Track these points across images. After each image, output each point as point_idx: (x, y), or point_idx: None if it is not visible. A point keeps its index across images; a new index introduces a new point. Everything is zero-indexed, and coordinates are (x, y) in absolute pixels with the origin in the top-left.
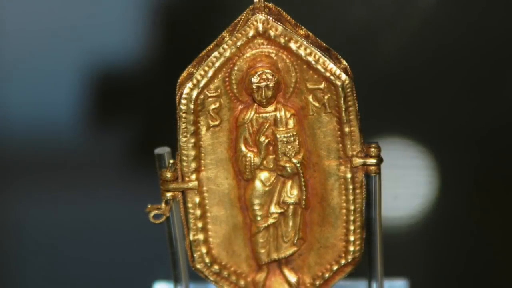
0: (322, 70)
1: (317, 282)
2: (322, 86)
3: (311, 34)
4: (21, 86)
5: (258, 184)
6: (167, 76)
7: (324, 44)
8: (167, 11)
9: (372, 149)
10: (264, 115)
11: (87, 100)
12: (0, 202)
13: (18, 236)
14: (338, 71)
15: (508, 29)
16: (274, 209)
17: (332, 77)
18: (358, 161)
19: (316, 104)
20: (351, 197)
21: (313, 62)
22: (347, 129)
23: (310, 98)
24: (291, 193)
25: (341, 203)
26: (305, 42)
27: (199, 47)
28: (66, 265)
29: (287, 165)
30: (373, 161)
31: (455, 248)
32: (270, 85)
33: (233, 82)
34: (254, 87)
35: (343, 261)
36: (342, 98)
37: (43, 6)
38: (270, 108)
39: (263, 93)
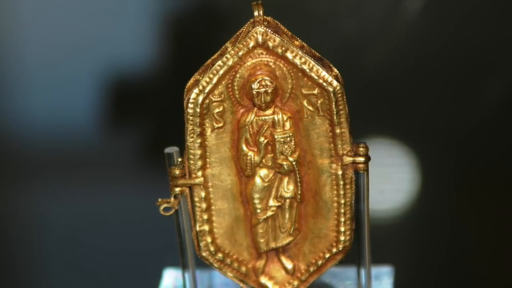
0: (316, 77)
1: (311, 269)
2: (315, 91)
3: (305, 44)
4: (45, 91)
5: (258, 180)
6: (175, 83)
7: (318, 54)
8: (176, 24)
9: (361, 149)
10: (263, 118)
11: (104, 104)
12: (25, 197)
13: (41, 227)
14: (330, 78)
15: (484, 40)
16: (272, 202)
17: (324, 84)
18: (348, 159)
19: (310, 108)
20: (341, 192)
21: (307, 70)
22: (338, 131)
23: (305, 103)
24: (288, 188)
25: (333, 197)
26: (300, 52)
27: (204, 56)
28: (84, 253)
29: (284, 163)
30: (361, 159)
31: (435, 238)
32: (269, 91)
33: (235, 88)
34: (254, 92)
35: (334, 250)
36: (333, 103)
37: (64, 20)
38: (269, 111)
39: (263, 98)
